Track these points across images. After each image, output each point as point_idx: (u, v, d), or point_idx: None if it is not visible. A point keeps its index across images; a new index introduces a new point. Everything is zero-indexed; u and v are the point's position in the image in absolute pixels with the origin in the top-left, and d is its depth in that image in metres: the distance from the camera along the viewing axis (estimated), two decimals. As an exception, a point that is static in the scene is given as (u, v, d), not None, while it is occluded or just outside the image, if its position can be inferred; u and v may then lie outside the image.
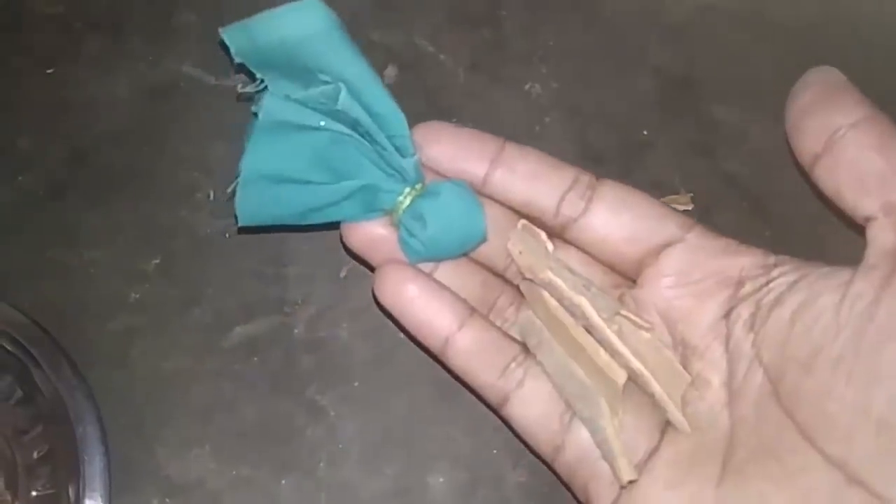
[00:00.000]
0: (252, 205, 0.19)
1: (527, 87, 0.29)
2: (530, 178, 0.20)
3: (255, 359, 0.25)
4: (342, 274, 0.26)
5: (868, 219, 0.18)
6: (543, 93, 0.29)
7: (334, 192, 0.19)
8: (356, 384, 0.25)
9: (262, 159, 0.19)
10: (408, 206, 0.20)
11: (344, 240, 0.21)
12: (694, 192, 0.28)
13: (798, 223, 0.28)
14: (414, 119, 0.29)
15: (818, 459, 0.17)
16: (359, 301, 0.25)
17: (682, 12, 0.30)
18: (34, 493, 0.21)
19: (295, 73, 0.19)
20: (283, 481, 0.24)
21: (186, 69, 0.28)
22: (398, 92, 0.29)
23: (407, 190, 0.19)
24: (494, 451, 0.24)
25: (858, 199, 0.18)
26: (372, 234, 0.20)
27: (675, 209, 0.21)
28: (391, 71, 0.29)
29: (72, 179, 0.27)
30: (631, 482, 0.19)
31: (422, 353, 0.25)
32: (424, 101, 0.29)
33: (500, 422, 0.24)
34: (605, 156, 0.28)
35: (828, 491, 0.16)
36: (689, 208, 0.27)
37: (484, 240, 0.21)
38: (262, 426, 0.24)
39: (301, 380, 0.25)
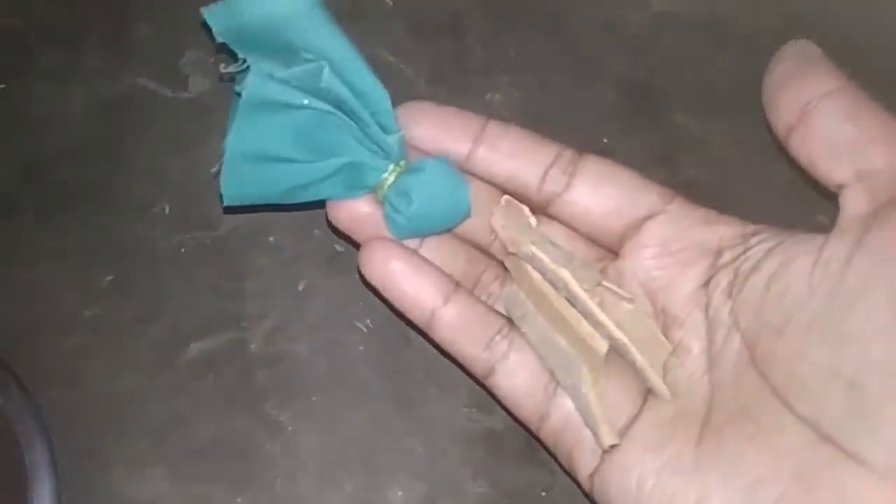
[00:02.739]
0: (236, 184, 0.19)
1: (488, 96, 0.29)
2: (513, 155, 0.21)
3: (211, 375, 0.24)
4: (300, 287, 0.25)
5: (841, 186, 0.18)
6: (505, 102, 0.29)
7: (319, 170, 0.19)
8: (314, 399, 0.24)
9: (246, 138, 0.19)
10: (392, 183, 0.20)
11: (329, 217, 0.21)
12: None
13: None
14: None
15: (791, 419, 0.17)
16: (317, 315, 0.25)
17: (642, 21, 0.30)
18: (-19, 518, 0.21)
19: (278, 52, 0.19)
20: (240, 499, 0.23)
21: (143, 82, 0.28)
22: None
23: (391, 167, 0.19)
24: (453, 464, 0.24)
25: (831, 167, 0.18)
26: (357, 212, 0.20)
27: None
28: (352, 82, 0.29)
29: (25, 195, 0.26)
30: (612, 447, 0.19)
31: (380, 367, 0.25)
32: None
33: (459, 433, 0.24)
34: (566, 165, 0.28)
35: (801, 448, 0.17)
36: (650, 216, 0.27)
37: (468, 215, 0.21)
38: (218, 443, 0.24)
39: (258, 395, 0.24)
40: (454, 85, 0.29)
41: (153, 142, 0.27)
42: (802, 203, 0.28)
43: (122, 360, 0.24)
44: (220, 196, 0.20)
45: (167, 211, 0.26)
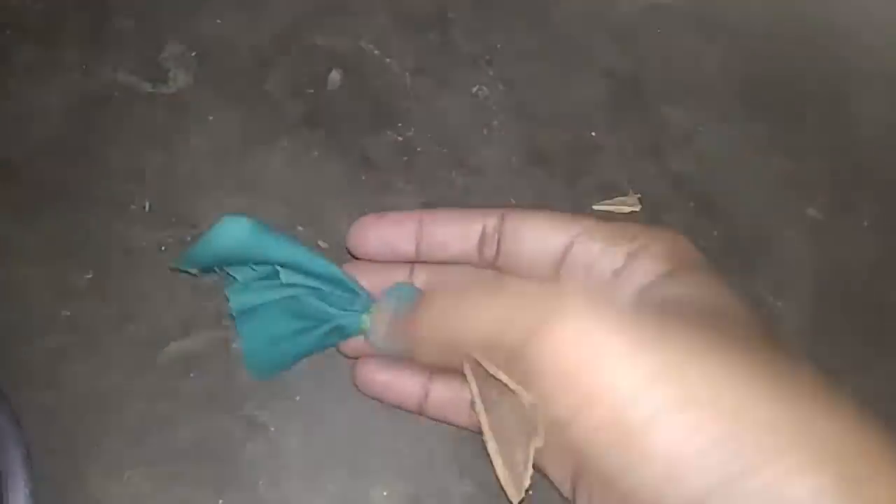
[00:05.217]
0: (260, 366, 0.24)
1: (474, 89, 0.29)
2: (448, 244, 0.23)
3: (192, 374, 0.24)
4: (283, 285, 0.25)
5: None
6: (491, 95, 0.29)
7: (316, 336, 0.23)
8: (297, 398, 0.24)
9: (255, 336, 0.23)
10: (369, 325, 0.23)
11: (341, 351, 0.24)
12: (642, 193, 0.27)
13: (745, 222, 0.28)
14: (360, 124, 0.28)
15: None
16: (300, 312, 0.24)
17: (630, 13, 0.30)
18: (-45, 523, 0.20)
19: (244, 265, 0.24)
20: (221, 501, 0.23)
21: (121, 77, 0.27)
22: (343, 96, 0.29)
23: (364, 316, 0.23)
24: (440, 464, 0.24)
25: None
26: (356, 347, 0.24)
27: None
28: (335, 75, 0.28)
29: (2, 193, 0.26)
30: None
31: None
32: (370, 106, 0.28)
33: (445, 433, 0.24)
34: (553, 158, 0.28)
35: None
36: (637, 209, 0.27)
37: None
38: (200, 444, 0.23)
39: (240, 395, 0.24)
40: (440, 78, 0.29)
41: (132, 138, 0.27)
42: (791, 196, 0.28)
43: (100, 360, 0.24)
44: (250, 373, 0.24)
45: (147, 208, 0.26)
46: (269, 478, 0.23)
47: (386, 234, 0.23)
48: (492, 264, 0.23)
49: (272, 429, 0.24)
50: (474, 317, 0.18)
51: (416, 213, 0.23)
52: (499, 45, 0.29)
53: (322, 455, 0.23)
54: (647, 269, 0.20)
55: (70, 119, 0.27)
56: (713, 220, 0.27)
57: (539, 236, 0.22)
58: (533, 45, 0.29)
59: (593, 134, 0.28)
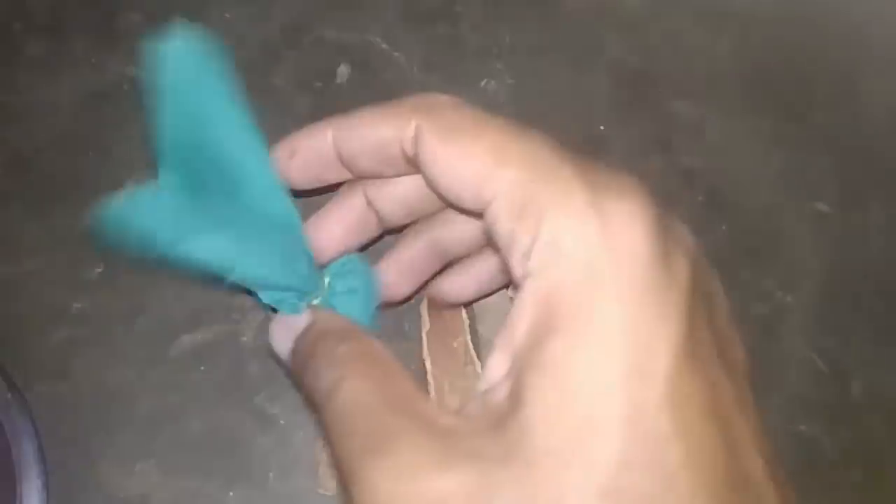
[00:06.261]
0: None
1: (483, 83, 0.29)
2: (368, 149, 0.19)
3: (202, 368, 0.24)
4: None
5: None
6: (499, 89, 0.29)
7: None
8: (307, 391, 0.24)
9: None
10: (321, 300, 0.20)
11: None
12: (650, 187, 0.27)
13: (754, 216, 0.28)
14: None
15: None
16: (309, 306, 0.25)
17: (639, 6, 0.30)
18: (-31, 514, 0.21)
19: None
20: (232, 493, 0.23)
21: (131, 71, 0.27)
22: (351, 90, 0.29)
23: (302, 304, 0.20)
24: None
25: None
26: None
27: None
28: (344, 70, 0.28)
29: (12, 187, 0.26)
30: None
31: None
32: (378, 100, 0.28)
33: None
34: (561, 152, 0.28)
35: None
36: (646, 204, 0.27)
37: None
38: (210, 437, 0.23)
39: (250, 388, 0.24)
40: (448, 72, 0.29)
41: (142, 132, 0.27)
42: (800, 190, 0.28)
43: (111, 354, 0.24)
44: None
45: (156, 202, 0.26)
46: (280, 470, 0.23)
47: (300, 148, 0.20)
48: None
49: (282, 421, 0.24)
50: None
51: (325, 123, 0.20)
52: (507, 39, 0.29)
53: (332, 448, 0.24)
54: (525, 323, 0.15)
55: (79, 112, 0.27)
56: (722, 213, 0.27)
57: (451, 174, 0.17)
58: (541, 38, 0.29)
59: (602, 127, 0.28)
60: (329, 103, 0.28)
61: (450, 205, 0.18)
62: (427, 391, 0.21)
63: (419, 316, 0.24)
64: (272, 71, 0.28)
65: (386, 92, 0.28)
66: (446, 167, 0.17)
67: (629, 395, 0.14)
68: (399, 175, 0.20)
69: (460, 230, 0.21)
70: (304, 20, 0.29)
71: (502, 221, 0.16)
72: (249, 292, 0.20)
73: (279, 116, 0.27)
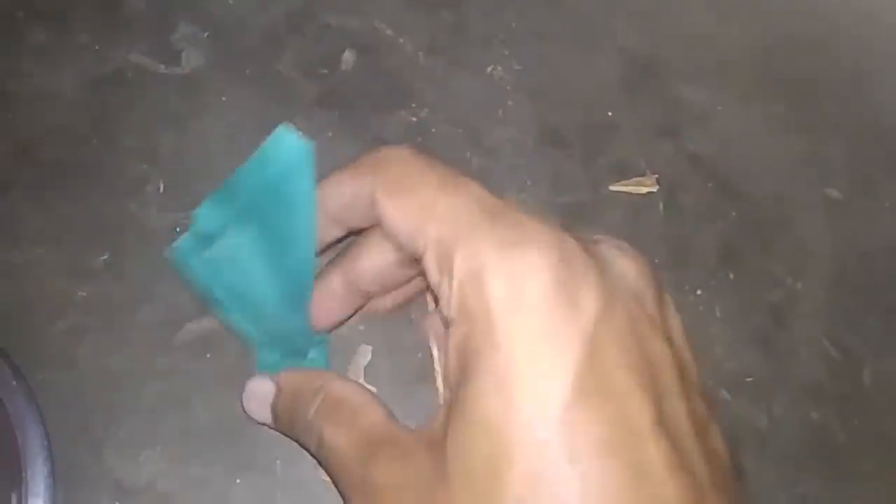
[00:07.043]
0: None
1: (489, 69, 0.28)
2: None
3: (208, 355, 0.24)
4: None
5: None
6: (506, 75, 0.28)
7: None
8: (313, 379, 0.24)
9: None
10: None
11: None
12: (659, 174, 0.27)
13: (764, 202, 0.27)
14: (374, 104, 0.28)
15: None
16: (315, 293, 0.24)
17: (647, -9, 0.30)
18: (-25, 501, 0.20)
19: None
20: (238, 480, 0.23)
21: (134, 58, 0.27)
22: (356, 77, 0.29)
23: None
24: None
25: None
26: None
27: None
28: (349, 56, 0.28)
29: (16, 174, 0.26)
30: None
31: (378, 347, 0.24)
32: (384, 86, 0.28)
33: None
34: (569, 138, 0.28)
35: None
36: (655, 190, 0.27)
37: None
38: (216, 424, 0.23)
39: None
40: (453, 58, 0.28)
41: (146, 119, 0.26)
42: (810, 176, 0.28)
43: (116, 342, 0.24)
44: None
45: (161, 189, 0.26)
46: (286, 458, 0.23)
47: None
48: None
49: (288, 409, 0.24)
50: None
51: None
52: (513, 24, 0.29)
53: (338, 435, 0.23)
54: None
55: (83, 100, 0.26)
56: (731, 200, 0.27)
57: (395, 227, 0.18)
58: (548, 24, 0.29)
59: (610, 114, 0.28)
60: (334, 90, 0.28)
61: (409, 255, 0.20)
62: (430, 389, 0.22)
63: (425, 303, 0.24)
64: (277, 58, 0.28)
65: (390, 78, 0.28)
66: (391, 221, 0.18)
67: (522, 436, 0.15)
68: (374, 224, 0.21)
69: (369, 265, 0.21)
70: (308, 6, 0.28)
71: (432, 273, 0.18)
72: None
73: (284, 104, 0.27)
